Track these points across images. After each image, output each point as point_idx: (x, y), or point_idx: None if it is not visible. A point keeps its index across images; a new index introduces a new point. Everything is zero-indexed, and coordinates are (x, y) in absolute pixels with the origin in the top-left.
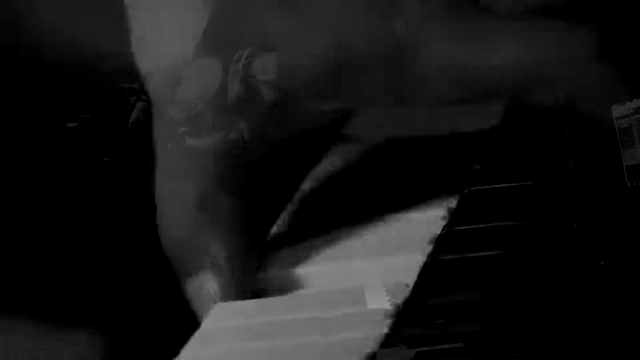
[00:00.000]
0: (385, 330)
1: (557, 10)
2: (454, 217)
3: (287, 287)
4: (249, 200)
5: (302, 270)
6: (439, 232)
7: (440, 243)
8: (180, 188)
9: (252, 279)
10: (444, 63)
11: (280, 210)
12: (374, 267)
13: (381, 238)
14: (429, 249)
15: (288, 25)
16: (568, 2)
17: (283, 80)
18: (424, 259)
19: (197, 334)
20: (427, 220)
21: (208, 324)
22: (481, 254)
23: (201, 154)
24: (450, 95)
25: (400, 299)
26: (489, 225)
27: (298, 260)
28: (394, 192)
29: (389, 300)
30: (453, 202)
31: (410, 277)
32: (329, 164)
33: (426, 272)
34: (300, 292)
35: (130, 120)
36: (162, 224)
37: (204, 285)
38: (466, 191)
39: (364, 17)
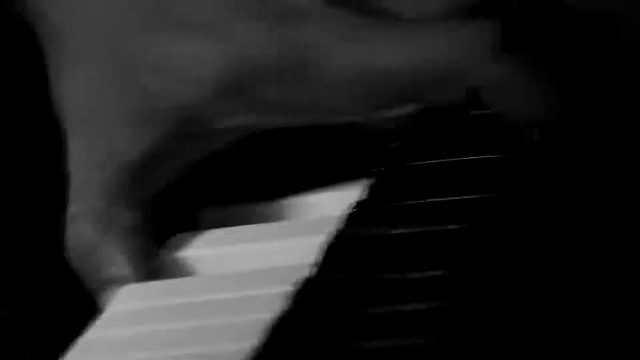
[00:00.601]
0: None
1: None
2: (375, 194)
3: (188, 269)
4: (151, 207)
5: (203, 253)
6: (351, 210)
7: (356, 221)
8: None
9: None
10: (347, 71)
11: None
12: (279, 249)
13: (288, 220)
14: (338, 228)
15: (183, 41)
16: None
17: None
18: (332, 239)
19: (102, 316)
20: (338, 201)
21: (113, 306)
22: (405, 231)
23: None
24: (357, 104)
25: (303, 280)
26: (417, 201)
27: (199, 243)
28: (303, 175)
29: (291, 282)
30: (372, 181)
31: (316, 257)
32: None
33: (336, 250)
34: (202, 274)
35: None
36: (66, 238)
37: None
38: (384, 169)
39: (264, 27)
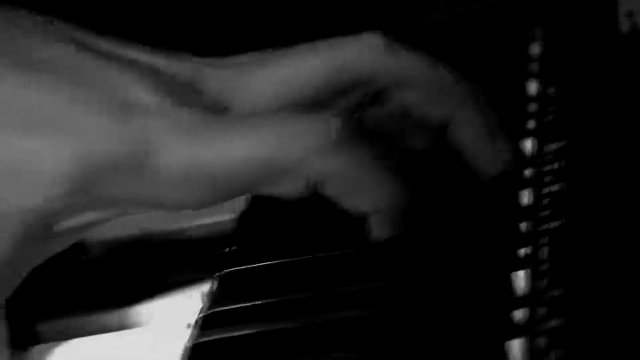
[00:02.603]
0: None
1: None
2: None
3: None
4: None
5: None
6: (196, 316)
7: (201, 327)
8: None
9: None
10: (183, 166)
11: None
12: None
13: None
14: (189, 334)
15: (26, 141)
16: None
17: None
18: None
19: None
20: (182, 308)
21: None
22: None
23: None
24: (195, 199)
25: None
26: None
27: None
28: (145, 282)
29: None
30: (210, 285)
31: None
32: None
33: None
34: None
35: None
36: None
37: None
38: (220, 273)
39: (105, 122)
